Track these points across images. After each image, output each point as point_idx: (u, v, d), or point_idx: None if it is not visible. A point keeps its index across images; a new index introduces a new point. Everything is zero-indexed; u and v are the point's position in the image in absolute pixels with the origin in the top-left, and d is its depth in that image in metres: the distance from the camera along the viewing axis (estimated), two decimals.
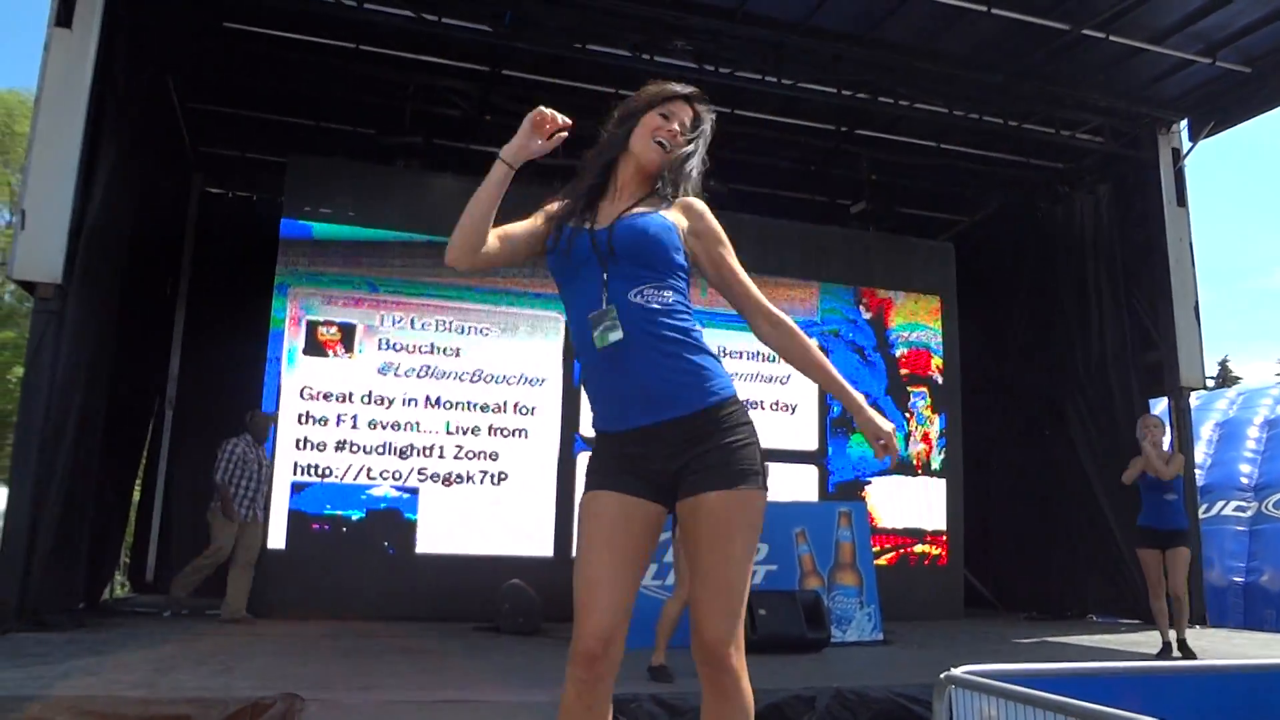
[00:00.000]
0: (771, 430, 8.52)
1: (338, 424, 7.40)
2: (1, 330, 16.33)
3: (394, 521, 7.41)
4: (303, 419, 7.32)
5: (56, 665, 4.18)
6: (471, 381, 7.79)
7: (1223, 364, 30.73)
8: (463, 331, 7.82)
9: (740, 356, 8.53)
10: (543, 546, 7.58)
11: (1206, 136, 8.38)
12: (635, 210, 2.05)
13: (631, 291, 1.97)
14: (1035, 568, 9.24)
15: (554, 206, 2.14)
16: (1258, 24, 7.09)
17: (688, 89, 2.17)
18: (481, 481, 7.67)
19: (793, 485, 8.39)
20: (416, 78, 8.08)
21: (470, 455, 7.68)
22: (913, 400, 9.20)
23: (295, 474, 7.23)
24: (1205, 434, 11.33)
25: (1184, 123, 8.58)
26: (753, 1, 7.06)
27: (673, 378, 1.94)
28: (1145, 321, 8.69)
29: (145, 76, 6.61)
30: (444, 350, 7.78)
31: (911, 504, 8.97)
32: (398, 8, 6.92)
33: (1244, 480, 10.53)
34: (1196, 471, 9.43)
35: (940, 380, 9.35)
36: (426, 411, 7.64)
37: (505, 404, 7.84)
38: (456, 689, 4.12)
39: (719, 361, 2.05)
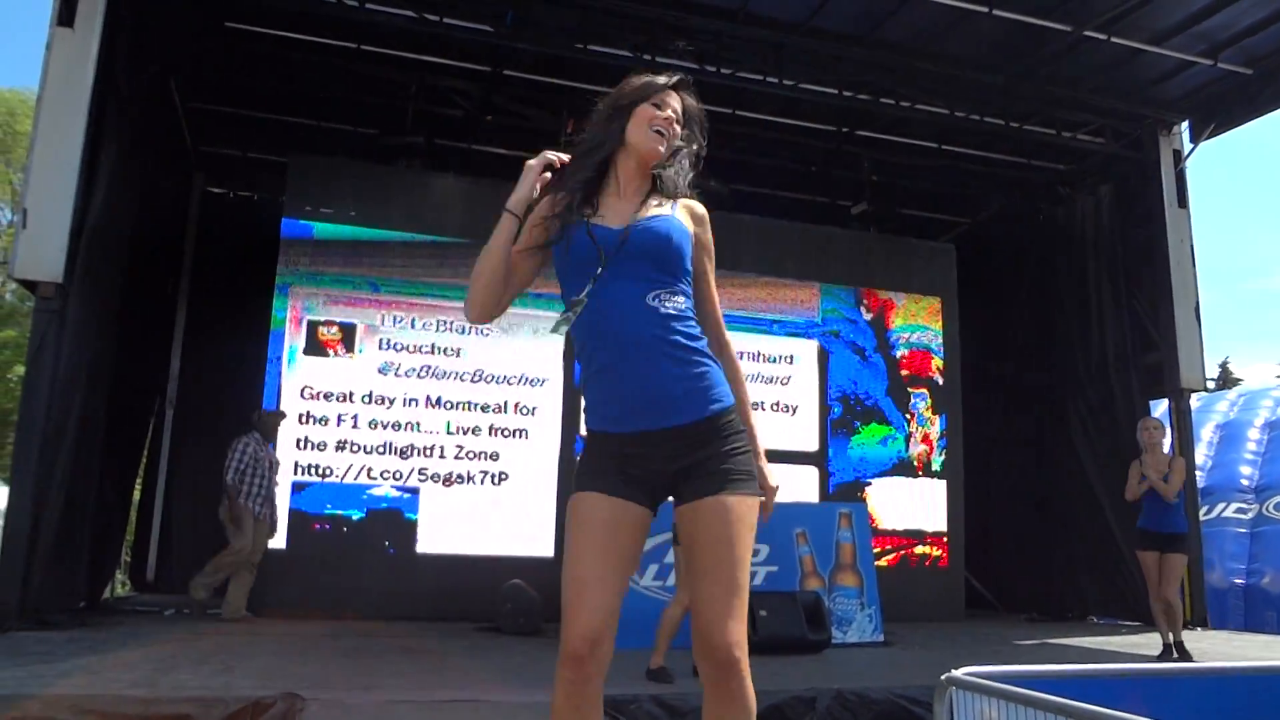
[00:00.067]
0: (772, 431, 8.52)
1: (338, 424, 7.41)
2: (3, 329, 16.35)
3: (395, 521, 7.42)
4: (303, 419, 7.32)
5: (57, 664, 4.18)
6: (472, 381, 7.79)
7: (1223, 365, 30.75)
8: (463, 331, 7.82)
9: (741, 358, 8.41)
10: (543, 547, 7.58)
11: (1208, 138, 8.38)
12: (652, 213, 2.05)
13: (649, 295, 1.97)
14: (1036, 569, 9.24)
15: (545, 207, 2.11)
16: (1260, 25, 7.09)
17: (673, 78, 2.16)
18: (482, 482, 7.68)
19: (793, 486, 8.37)
20: (418, 78, 8.09)
21: (471, 455, 7.68)
22: (913, 401, 9.20)
23: (296, 474, 7.23)
24: (1206, 436, 11.32)
25: (1185, 124, 8.57)
26: (754, 2, 7.06)
27: (682, 384, 1.96)
28: (1146, 323, 8.69)
29: (147, 76, 6.62)
30: (445, 350, 7.78)
31: (912, 505, 8.97)
32: (399, 8, 6.92)
33: (1244, 482, 10.52)
34: (1197, 473, 9.43)
35: (941, 381, 9.35)
36: (427, 411, 7.64)
37: (506, 404, 7.84)
38: (457, 689, 4.12)
39: (720, 369, 2.06)
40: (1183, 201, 8.47)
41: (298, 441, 7.26)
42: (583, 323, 2.01)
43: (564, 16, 7.14)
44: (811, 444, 8.75)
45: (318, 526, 7.24)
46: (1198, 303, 8.32)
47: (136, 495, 8.95)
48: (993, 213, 10.56)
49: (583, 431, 8.46)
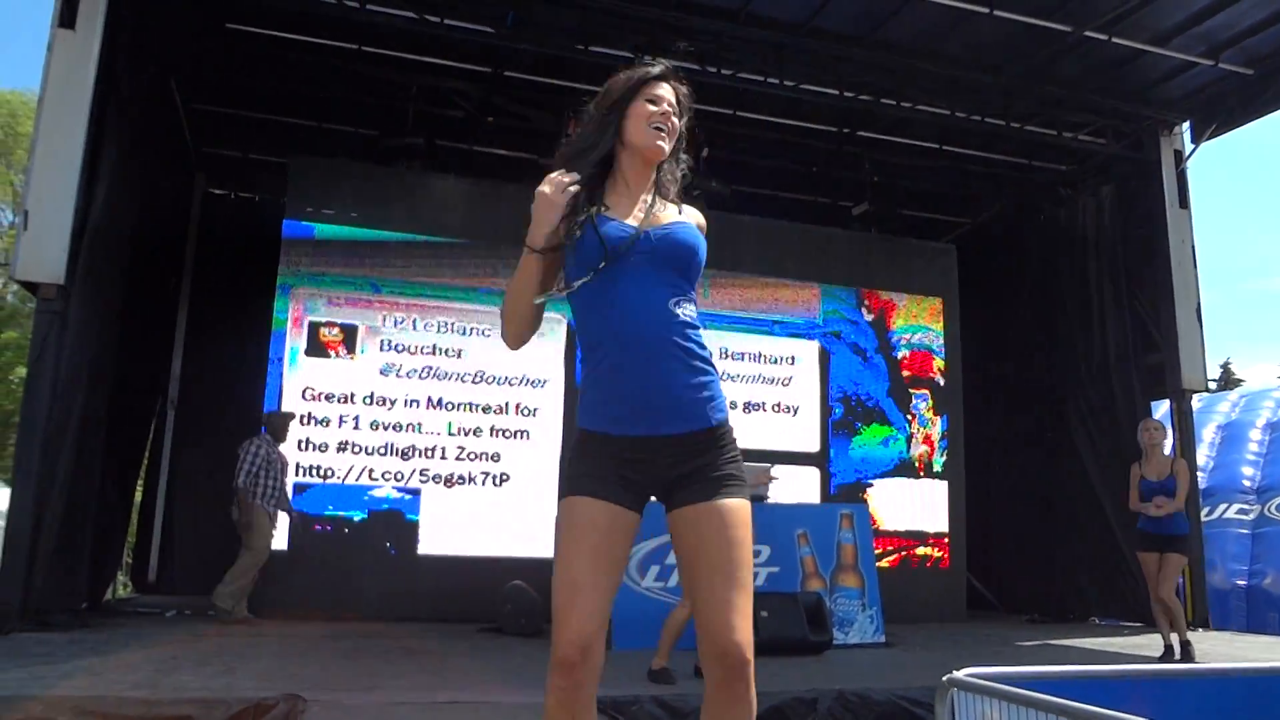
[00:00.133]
0: (773, 432, 8.52)
1: (340, 425, 7.41)
2: (4, 331, 16.38)
3: (396, 522, 7.42)
4: (305, 420, 7.32)
5: (59, 665, 4.19)
6: (473, 383, 7.79)
7: (1225, 366, 30.72)
8: (465, 333, 7.83)
9: (742, 358, 8.54)
10: (544, 548, 7.55)
11: (1209, 138, 8.38)
12: (674, 218, 2.07)
13: (671, 300, 1.99)
14: (1037, 570, 9.23)
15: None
16: (1261, 25, 7.09)
17: (660, 67, 2.14)
18: (483, 483, 7.68)
19: (794, 487, 8.37)
20: (419, 79, 8.09)
21: (472, 456, 7.68)
22: (914, 402, 9.20)
23: (297, 475, 7.22)
24: (1207, 436, 11.31)
25: (1186, 124, 8.58)
26: (755, 3, 7.06)
27: (692, 392, 1.97)
28: (1147, 323, 8.69)
29: (148, 77, 6.63)
30: (446, 351, 7.78)
31: (913, 506, 8.97)
32: (400, 9, 6.93)
33: (1246, 483, 10.50)
34: (1199, 474, 9.42)
35: (942, 382, 9.35)
36: (428, 413, 7.64)
37: (507, 405, 7.84)
38: (458, 690, 4.13)
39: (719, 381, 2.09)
40: (1184, 202, 8.47)
41: (299, 443, 7.26)
42: (600, 322, 1.99)
43: (564, 17, 7.14)
44: (813, 445, 8.75)
45: (319, 528, 7.24)
46: (1199, 303, 8.31)
47: (138, 496, 8.96)
48: (994, 213, 10.56)
49: None
